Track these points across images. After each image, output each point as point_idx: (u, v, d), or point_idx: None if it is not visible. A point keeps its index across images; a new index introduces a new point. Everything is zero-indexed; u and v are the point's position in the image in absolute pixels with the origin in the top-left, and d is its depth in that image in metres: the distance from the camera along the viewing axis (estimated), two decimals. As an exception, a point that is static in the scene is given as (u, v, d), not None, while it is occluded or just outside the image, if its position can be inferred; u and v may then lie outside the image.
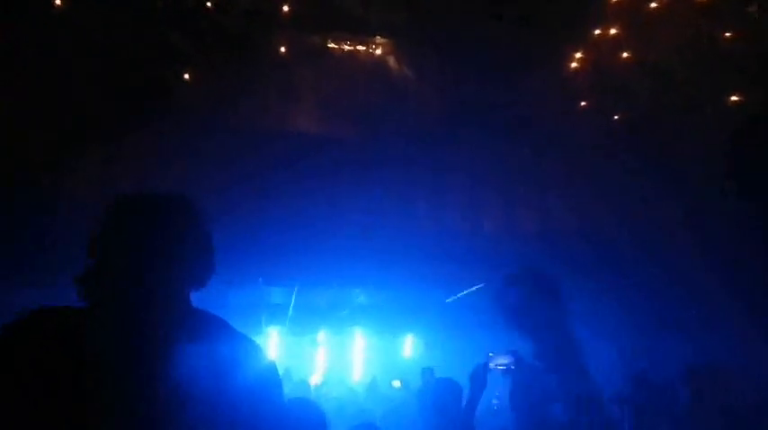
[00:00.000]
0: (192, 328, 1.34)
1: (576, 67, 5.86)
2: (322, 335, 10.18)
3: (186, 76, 5.33)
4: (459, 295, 7.94)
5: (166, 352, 1.27)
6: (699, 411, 2.73)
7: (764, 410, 2.65)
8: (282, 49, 5.67)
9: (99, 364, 1.24)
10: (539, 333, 1.97)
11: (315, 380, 8.34)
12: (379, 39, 5.96)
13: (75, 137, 5.13)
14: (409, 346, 10.52)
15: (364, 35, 5.95)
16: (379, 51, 6.00)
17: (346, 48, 5.89)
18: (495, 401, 3.97)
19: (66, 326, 1.28)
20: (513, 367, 3.05)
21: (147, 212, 1.39)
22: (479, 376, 3.05)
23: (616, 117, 5.99)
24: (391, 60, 6.05)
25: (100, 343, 1.27)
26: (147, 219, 1.38)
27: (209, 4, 5.13)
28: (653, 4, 5.42)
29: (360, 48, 5.92)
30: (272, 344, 9.88)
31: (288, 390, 6.82)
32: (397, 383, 6.90)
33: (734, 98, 5.48)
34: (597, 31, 5.59)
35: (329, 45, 5.89)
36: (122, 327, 1.29)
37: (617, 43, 5.62)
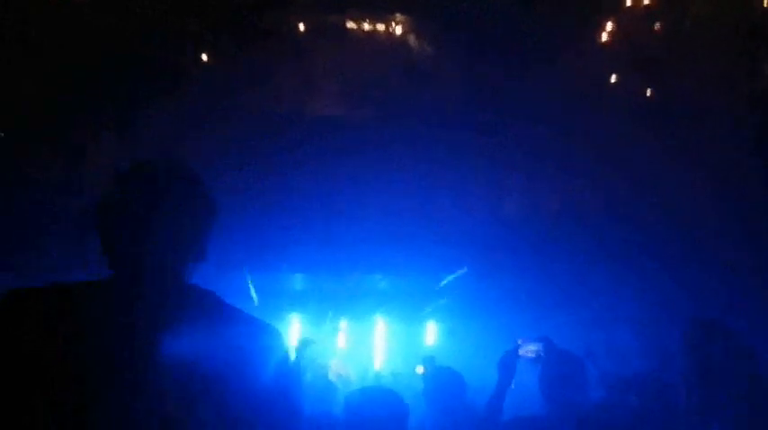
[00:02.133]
0: (193, 305, 1.30)
1: (605, 41, 5.68)
2: (343, 323, 10.17)
3: (203, 57, 5.26)
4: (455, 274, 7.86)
5: (168, 327, 1.22)
6: None
7: None
8: (300, 28, 5.56)
9: (97, 339, 1.19)
10: None
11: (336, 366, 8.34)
12: (399, 16, 5.82)
13: (86, 120, 5.11)
14: (432, 333, 10.47)
15: (384, 13, 5.82)
16: (399, 30, 5.86)
17: (365, 27, 5.76)
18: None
19: (62, 301, 1.23)
20: (542, 354, 2.98)
21: (147, 180, 1.34)
22: (509, 363, 2.99)
23: (648, 93, 5.80)
24: (411, 39, 5.91)
25: (99, 317, 1.22)
26: (146, 185, 1.33)
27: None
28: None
29: (379, 26, 5.79)
30: (293, 331, 9.90)
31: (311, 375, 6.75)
32: (420, 369, 6.83)
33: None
34: (628, 2, 5.41)
35: (347, 24, 5.76)
36: (123, 301, 1.25)
37: (649, 14, 5.44)
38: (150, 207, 1.28)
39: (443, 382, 3.37)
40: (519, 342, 3.02)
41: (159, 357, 1.17)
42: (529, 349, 2.98)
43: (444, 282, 8.11)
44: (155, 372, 1.17)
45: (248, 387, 1.21)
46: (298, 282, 9.17)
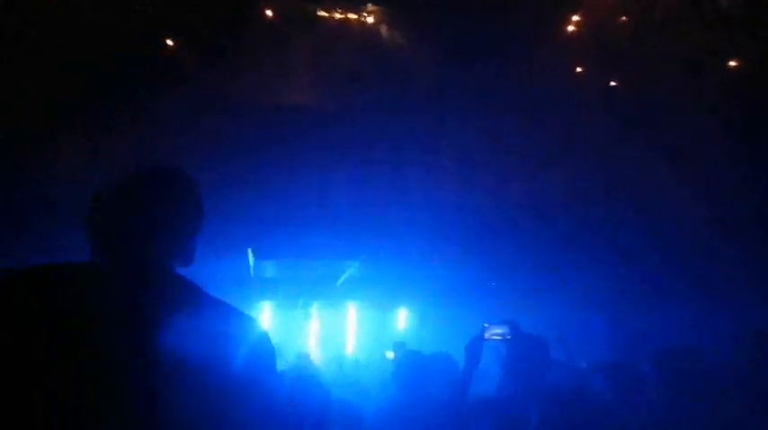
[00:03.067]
0: (180, 299, 1.32)
1: (573, 31, 5.77)
2: (314, 309, 10.20)
3: (169, 42, 5.22)
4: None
5: (155, 322, 1.24)
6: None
7: None
8: (270, 15, 5.54)
9: (86, 330, 1.21)
10: None
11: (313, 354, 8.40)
12: (370, 6, 5.83)
13: (68, 109, 5.04)
14: (403, 319, 10.58)
15: (356, 3, 5.83)
16: (371, 20, 5.88)
17: (337, 16, 5.76)
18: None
19: (40, 288, 1.25)
20: (508, 337, 3.06)
21: (143, 185, 1.40)
22: (475, 347, 3.06)
23: (613, 83, 5.93)
24: (383, 29, 5.93)
25: (79, 305, 1.24)
26: (142, 191, 1.39)
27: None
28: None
29: (351, 16, 5.80)
30: (265, 318, 9.90)
31: (284, 364, 6.83)
32: (390, 355, 6.93)
33: (733, 62, 5.43)
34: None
35: (319, 13, 5.75)
36: (104, 291, 1.28)
37: (618, 6, 5.54)
38: (142, 205, 1.35)
39: (410, 368, 3.43)
40: (485, 325, 3.09)
41: (138, 348, 1.20)
42: (494, 332, 3.05)
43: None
44: (134, 363, 1.19)
45: (228, 376, 1.24)
46: (269, 268, 9.17)
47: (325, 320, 10.29)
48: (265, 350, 1.36)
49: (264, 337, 1.38)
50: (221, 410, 1.23)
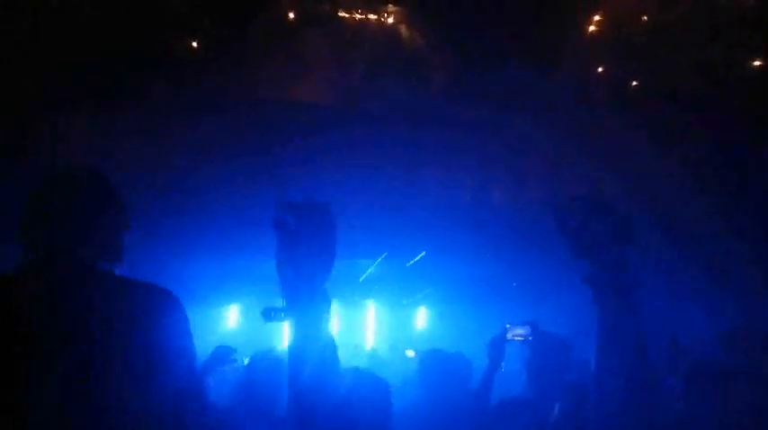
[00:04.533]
0: (100, 287, 1.44)
1: (593, 31, 5.73)
2: (333, 308, 10.21)
3: (194, 43, 5.27)
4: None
5: (79, 311, 1.34)
6: None
7: None
8: (290, 15, 5.58)
9: (17, 333, 1.30)
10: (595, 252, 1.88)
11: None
12: (391, 7, 5.84)
13: (65, 102, 5.10)
14: (423, 318, 10.57)
15: (376, 3, 5.84)
16: (391, 20, 5.89)
17: (357, 16, 5.78)
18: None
19: None
20: (530, 338, 3.06)
21: (63, 190, 1.54)
22: (497, 347, 3.07)
23: (634, 83, 5.88)
24: (403, 29, 5.94)
25: (20, 310, 1.33)
26: (62, 196, 1.53)
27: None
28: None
29: (371, 16, 5.81)
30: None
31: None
32: (410, 353, 6.94)
33: (756, 62, 5.35)
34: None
35: (339, 13, 5.78)
36: (42, 297, 1.36)
37: (635, 5, 5.49)
38: (64, 208, 1.48)
39: (445, 365, 3.43)
40: (507, 326, 3.10)
41: (68, 334, 1.30)
42: (516, 333, 3.07)
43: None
44: (61, 358, 1.27)
45: (146, 346, 1.35)
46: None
47: (344, 319, 10.32)
48: (175, 319, 1.45)
49: (175, 308, 1.47)
50: (144, 377, 1.32)
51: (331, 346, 1.42)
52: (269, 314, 1.41)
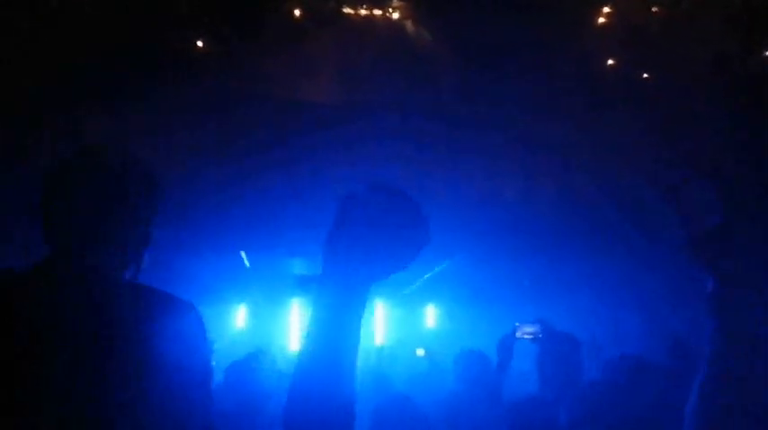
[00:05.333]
0: (121, 300, 1.30)
1: (600, 28, 5.67)
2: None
3: (198, 43, 5.26)
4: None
5: (102, 326, 1.24)
6: None
7: None
8: (295, 12, 5.56)
9: (30, 333, 1.20)
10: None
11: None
12: (396, 2, 5.81)
13: (75, 101, 5.09)
14: (432, 316, 10.55)
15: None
16: (396, 15, 5.85)
17: (362, 12, 5.75)
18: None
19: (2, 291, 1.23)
20: (540, 336, 3.04)
21: (97, 174, 1.31)
22: (507, 345, 3.06)
23: (645, 75, 5.81)
24: (409, 25, 5.90)
25: (33, 310, 1.22)
26: (98, 178, 1.31)
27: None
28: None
29: (376, 12, 5.77)
30: (294, 314, 9.97)
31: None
32: (420, 352, 6.93)
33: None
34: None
35: (344, 10, 5.75)
36: (57, 297, 1.25)
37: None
38: (100, 203, 1.27)
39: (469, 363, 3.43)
40: (516, 324, 3.09)
41: (84, 354, 1.19)
42: (526, 331, 3.05)
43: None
44: (77, 369, 1.18)
45: (161, 359, 1.24)
46: (298, 266, 9.23)
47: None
48: (193, 332, 1.33)
49: (194, 321, 1.35)
50: (157, 392, 1.23)
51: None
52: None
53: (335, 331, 0.99)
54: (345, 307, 1.01)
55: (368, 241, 1.04)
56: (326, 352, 0.99)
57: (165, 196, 1.40)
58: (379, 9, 5.75)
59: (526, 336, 3.06)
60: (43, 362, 1.19)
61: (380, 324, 10.37)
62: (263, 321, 8.84)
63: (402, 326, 10.16)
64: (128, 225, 1.31)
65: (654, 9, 5.43)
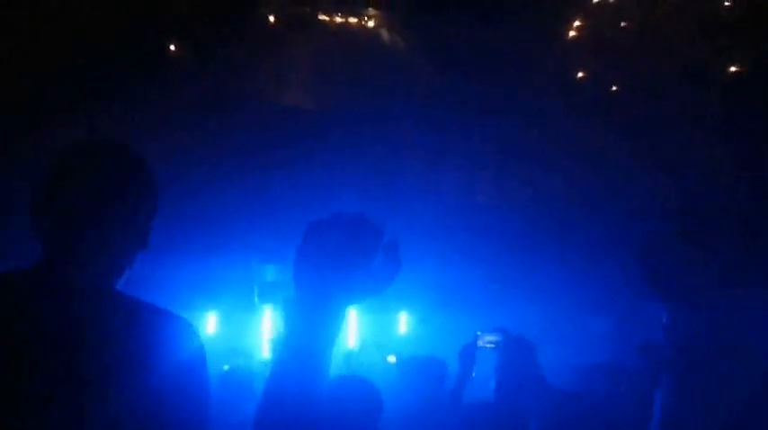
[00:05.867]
0: (113, 312, 1.25)
1: (573, 35, 5.80)
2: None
3: (176, 47, 5.23)
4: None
5: (85, 335, 1.19)
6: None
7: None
8: (269, 18, 5.57)
9: (16, 341, 1.16)
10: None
11: None
12: (371, 11, 5.86)
13: (54, 102, 5.02)
14: (404, 323, 10.55)
15: (356, 7, 5.85)
16: (371, 24, 5.90)
17: (337, 20, 5.78)
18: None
19: None
20: (500, 344, 3.09)
21: (92, 169, 1.26)
22: (468, 355, 3.10)
23: (614, 88, 5.96)
24: (383, 33, 5.95)
25: (22, 315, 1.18)
26: (95, 176, 1.25)
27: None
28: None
29: (351, 20, 5.81)
30: (266, 321, 9.88)
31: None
32: (392, 359, 6.93)
33: (733, 68, 5.45)
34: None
35: (319, 17, 5.77)
36: (46, 305, 1.20)
37: (616, 9, 5.57)
38: (97, 201, 1.22)
39: (422, 370, 3.44)
40: (478, 333, 3.15)
41: (67, 360, 1.15)
42: (487, 340, 3.10)
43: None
44: (62, 375, 1.14)
45: (155, 381, 1.19)
46: (269, 273, 9.16)
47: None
48: (191, 354, 1.29)
49: (193, 341, 1.31)
50: (149, 415, 1.18)
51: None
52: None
53: (309, 341, 0.99)
54: (319, 323, 1.01)
55: (332, 271, 1.01)
56: (300, 361, 0.98)
57: (159, 198, 1.34)
58: (355, 17, 5.79)
59: (488, 345, 3.11)
60: (28, 372, 1.14)
61: (353, 330, 10.35)
62: (233, 328, 8.74)
63: (374, 332, 10.15)
64: (124, 228, 1.26)
65: (623, 23, 5.57)
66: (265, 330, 10.00)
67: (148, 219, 1.33)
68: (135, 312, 1.26)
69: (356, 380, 2.50)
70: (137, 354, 1.20)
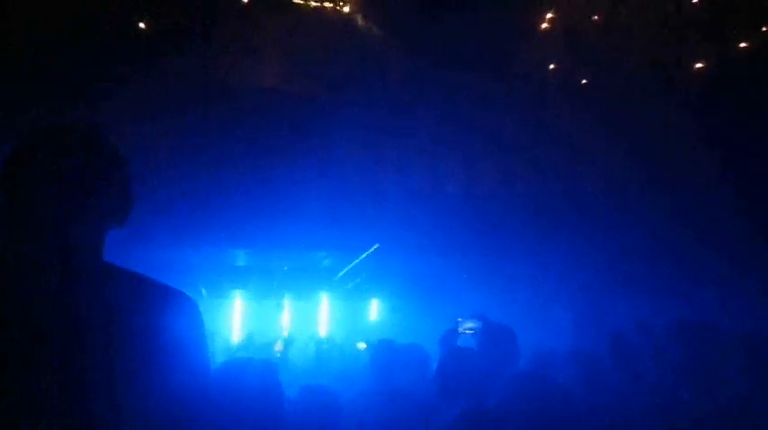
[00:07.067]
0: (112, 285, 1.26)
1: (546, 28, 5.85)
2: (286, 300, 10.19)
3: (141, 24, 5.11)
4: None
5: (82, 304, 1.19)
6: (690, 370, 2.72)
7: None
8: (244, 1, 5.49)
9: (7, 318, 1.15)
10: None
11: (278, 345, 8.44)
12: (347, -5, 5.82)
13: (25, 92, 4.89)
14: (375, 310, 10.63)
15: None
16: (347, 9, 5.85)
17: (312, 3, 5.72)
18: None
19: None
20: (479, 330, 3.13)
21: (55, 146, 1.28)
22: (449, 340, 3.13)
23: (584, 81, 6.03)
24: (359, 18, 5.91)
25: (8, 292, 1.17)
26: (54, 152, 1.27)
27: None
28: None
29: (326, 4, 5.76)
30: (237, 307, 9.84)
31: (251, 353, 6.79)
32: (362, 345, 6.97)
33: (698, 65, 5.58)
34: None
35: (294, 0, 5.71)
36: (32, 274, 1.20)
37: (586, 4, 5.64)
38: (62, 173, 1.24)
39: (388, 355, 3.45)
40: (459, 320, 3.18)
41: (78, 339, 1.16)
42: (467, 326, 3.14)
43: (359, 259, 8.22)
44: (74, 356, 1.15)
45: (158, 352, 1.21)
46: (240, 257, 9.11)
47: (297, 311, 10.29)
48: (193, 324, 1.32)
49: (193, 312, 1.34)
50: (151, 386, 1.20)
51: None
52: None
53: None
54: None
55: None
56: None
57: (119, 156, 1.36)
58: (330, 2, 5.74)
59: (468, 331, 3.15)
60: (31, 349, 1.13)
61: (324, 317, 10.39)
62: (205, 314, 8.68)
63: (345, 319, 10.21)
64: (94, 199, 1.27)
65: (594, 17, 5.64)
66: (237, 314, 9.99)
67: (121, 191, 1.34)
68: (138, 286, 1.27)
69: (247, 360, 2.47)
70: (142, 328, 1.20)
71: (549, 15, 5.81)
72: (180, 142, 5.66)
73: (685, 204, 6.06)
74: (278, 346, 7.31)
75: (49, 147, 1.27)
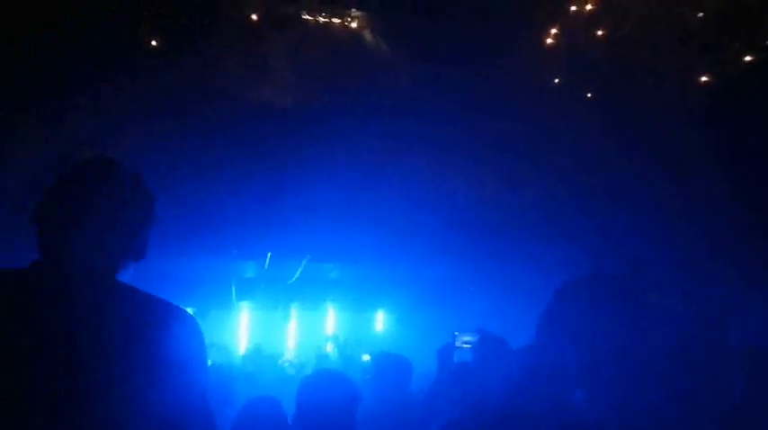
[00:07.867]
0: (118, 303, 1.32)
1: (550, 44, 5.89)
2: (294, 311, 10.22)
3: (156, 42, 5.20)
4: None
5: (91, 328, 1.25)
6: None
7: None
8: (253, 17, 5.57)
9: (20, 335, 1.21)
10: None
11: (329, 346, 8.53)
12: (354, 12, 5.89)
13: (25, 93, 4.96)
14: (381, 321, 10.62)
15: (340, 8, 5.88)
16: (354, 25, 5.93)
17: (321, 19, 5.80)
18: None
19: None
20: (477, 344, 3.14)
21: (85, 180, 1.38)
22: (446, 354, 3.15)
23: (589, 95, 6.05)
24: (366, 34, 5.99)
25: (25, 310, 1.24)
26: (85, 186, 1.37)
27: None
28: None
29: (335, 20, 5.84)
30: (243, 318, 9.88)
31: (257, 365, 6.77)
32: (367, 357, 6.98)
33: (703, 78, 5.59)
34: (572, 8, 5.63)
35: (303, 16, 5.79)
36: (46, 295, 1.27)
37: (590, 20, 5.67)
38: (84, 204, 1.33)
39: (391, 368, 3.46)
40: (456, 334, 3.20)
41: (80, 357, 1.20)
42: (464, 340, 3.16)
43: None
44: (75, 374, 1.19)
45: (156, 369, 1.25)
46: (249, 269, 9.16)
47: (303, 322, 10.31)
48: (193, 342, 1.36)
49: (193, 329, 1.38)
50: (150, 401, 1.24)
51: None
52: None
53: None
54: None
55: None
56: None
57: (155, 206, 1.45)
58: (338, 17, 5.82)
59: (464, 346, 3.17)
60: (36, 364, 1.18)
61: (330, 329, 10.39)
62: (210, 324, 8.73)
63: (351, 330, 10.21)
64: (113, 231, 1.36)
65: (598, 32, 5.68)
66: (243, 325, 10.01)
67: (142, 227, 1.41)
68: (140, 304, 1.33)
69: (331, 373, 2.54)
70: (143, 344, 1.25)
71: (553, 31, 5.86)
72: (194, 156, 5.74)
73: (690, 213, 6.06)
74: (329, 347, 7.42)
75: (76, 185, 1.37)
